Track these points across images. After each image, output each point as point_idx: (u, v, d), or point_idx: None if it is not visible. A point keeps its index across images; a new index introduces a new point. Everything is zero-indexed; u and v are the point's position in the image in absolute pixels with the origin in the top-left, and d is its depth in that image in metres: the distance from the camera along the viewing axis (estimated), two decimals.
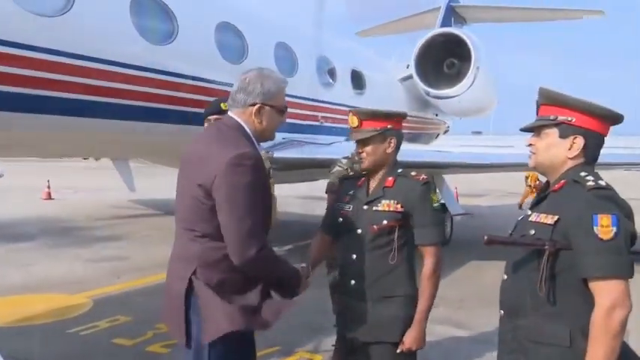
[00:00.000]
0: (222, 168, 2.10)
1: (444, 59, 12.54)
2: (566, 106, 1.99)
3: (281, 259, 2.29)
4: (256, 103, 2.27)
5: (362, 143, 2.62)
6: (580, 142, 1.98)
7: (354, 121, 2.63)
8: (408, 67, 12.84)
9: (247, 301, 2.18)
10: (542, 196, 2.08)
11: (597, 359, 1.75)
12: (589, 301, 1.81)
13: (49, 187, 14.96)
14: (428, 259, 2.57)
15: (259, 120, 2.29)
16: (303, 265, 2.57)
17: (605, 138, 2.04)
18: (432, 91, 12.44)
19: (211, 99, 4.41)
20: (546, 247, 1.88)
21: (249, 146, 2.21)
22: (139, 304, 5.66)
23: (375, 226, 2.55)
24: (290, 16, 10.21)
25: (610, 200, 1.86)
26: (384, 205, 2.57)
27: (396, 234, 2.54)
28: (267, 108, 2.29)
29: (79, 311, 5.48)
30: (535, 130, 2.08)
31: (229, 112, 2.34)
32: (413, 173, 2.63)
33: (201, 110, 4.12)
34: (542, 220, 1.94)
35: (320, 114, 9.23)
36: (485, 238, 1.98)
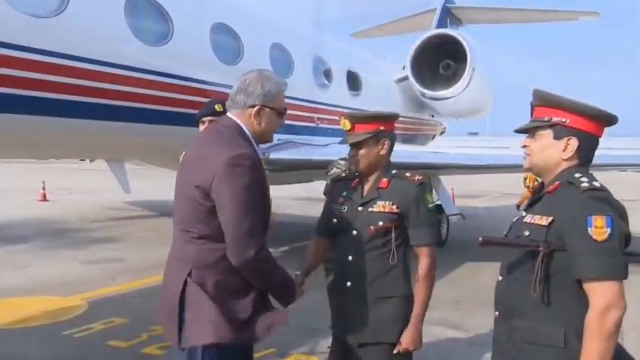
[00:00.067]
0: (221, 168, 2.09)
1: (439, 60, 12.55)
2: (561, 107, 2.00)
3: (277, 264, 2.28)
4: (256, 105, 2.27)
5: (355, 146, 2.63)
6: (574, 143, 1.98)
7: (346, 124, 2.65)
8: (403, 69, 12.86)
9: (237, 313, 2.16)
10: (536, 198, 2.08)
11: None
12: (583, 302, 1.81)
13: (44, 189, 14.90)
14: (423, 259, 2.58)
15: (259, 122, 2.28)
16: (297, 273, 2.58)
17: (599, 139, 2.05)
18: (428, 93, 12.45)
19: (206, 100, 4.41)
20: (541, 248, 1.88)
21: (248, 147, 2.20)
22: (134, 306, 5.64)
23: (372, 227, 2.55)
24: (286, 17, 10.21)
25: (604, 201, 1.87)
26: (380, 206, 2.57)
27: (393, 235, 2.55)
28: (266, 110, 2.29)
29: (74, 313, 5.46)
30: (529, 131, 2.08)
31: (228, 113, 2.33)
32: (407, 174, 2.64)
33: (196, 111, 4.11)
34: (536, 222, 1.95)
35: (316, 115, 9.23)
36: (480, 239, 1.98)
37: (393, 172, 2.65)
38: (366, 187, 2.66)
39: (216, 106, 3.81)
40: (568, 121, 1.98)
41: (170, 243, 2.35)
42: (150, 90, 5.97)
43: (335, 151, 6.78)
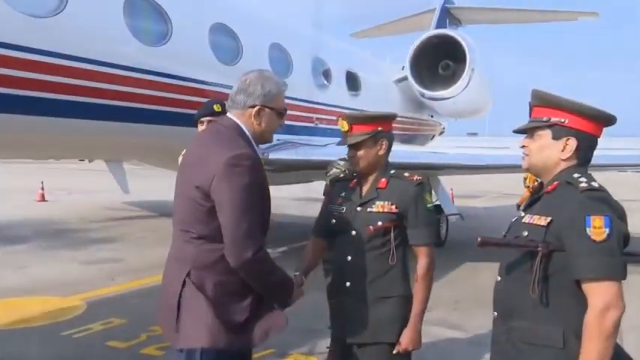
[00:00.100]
0: (220, 168, 2.09)
1: (439, 61, 12.56)
2: (559, 107, 2.00)
3: (276, 265, 2.27)
4: (256, 105, 2.26)
5: (354, 147, 2.63)
6: (573, 143, 1.98)
7: (343, 125, 2.65)
8: (403, 69, 12.87)
9: (234, 316, 2.15)
10: (535, 198, 2.08)
11: None
12: (582, 303, 1.81)
13: (42, 189, 14.89)
14: (422, 259, 2.58)
15: (258, 122, 2.28)
16: (296, 273, 2.57)
17: (598, 139, 2.04)
18: (427, 93, 12.46)
19: (205, 100, 4.40)
20: (539, 248, 1.88)
21: (248, 147, 2.20)
22: (133, 307, 5.64)
23: (371, 227, 2.56)
24: (285, 17, 10.21)
25: (603, 202, 1.87)
26: (379, 206, 2.58)
27: (392, 235, 2.55)
28: (266, 110, 2.28)
29: (74, 313, 5.45)
30: (528, 131, 2.08)
31: (228, 113, 2.33)
32: (406, 174, 2.64)
33: (194, 111, 4.11)
34: (535, 222, 1.94)
35: (315, 115, 9.23)
36: (479, 239, 1.98)
37: (392, 172, 2.66)
38: (365, 188, 2.66)
39: (215, 107, 3.81)
40: (567, 122, 1.98)
41: (169, 243, 2.35)
42: (148, 90, 5.97)
43: (334, 151, 6.79)
